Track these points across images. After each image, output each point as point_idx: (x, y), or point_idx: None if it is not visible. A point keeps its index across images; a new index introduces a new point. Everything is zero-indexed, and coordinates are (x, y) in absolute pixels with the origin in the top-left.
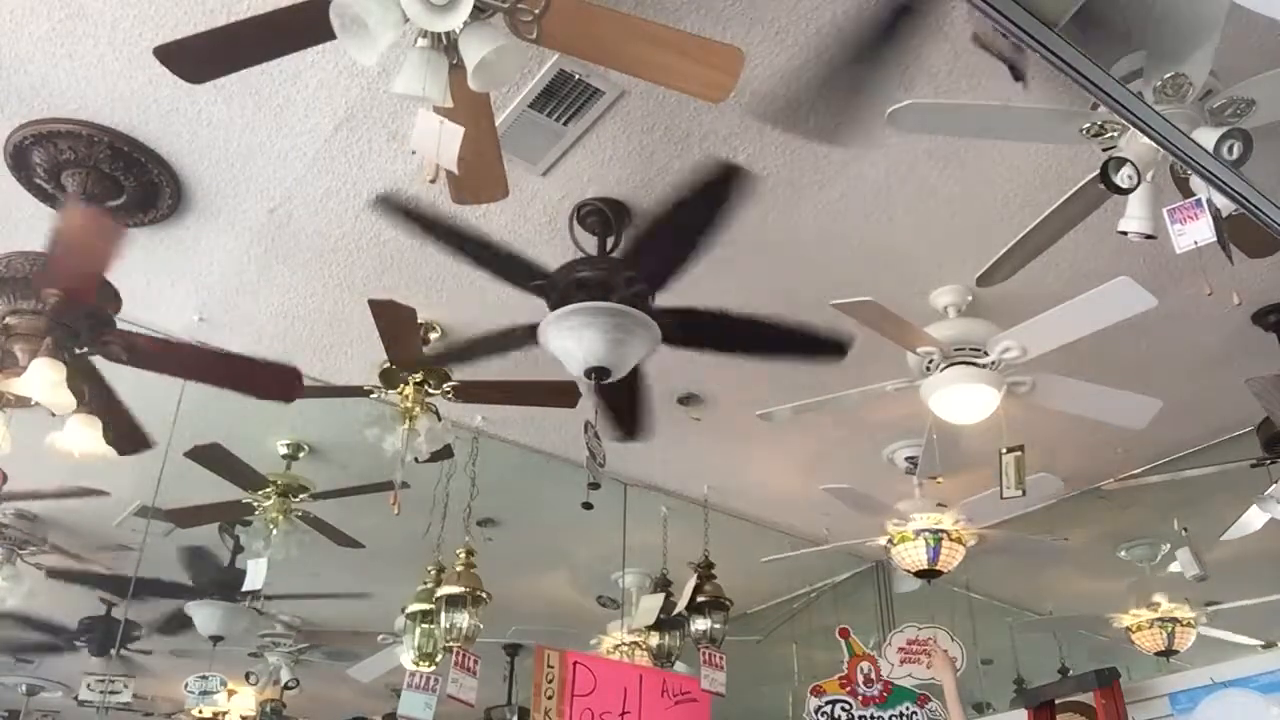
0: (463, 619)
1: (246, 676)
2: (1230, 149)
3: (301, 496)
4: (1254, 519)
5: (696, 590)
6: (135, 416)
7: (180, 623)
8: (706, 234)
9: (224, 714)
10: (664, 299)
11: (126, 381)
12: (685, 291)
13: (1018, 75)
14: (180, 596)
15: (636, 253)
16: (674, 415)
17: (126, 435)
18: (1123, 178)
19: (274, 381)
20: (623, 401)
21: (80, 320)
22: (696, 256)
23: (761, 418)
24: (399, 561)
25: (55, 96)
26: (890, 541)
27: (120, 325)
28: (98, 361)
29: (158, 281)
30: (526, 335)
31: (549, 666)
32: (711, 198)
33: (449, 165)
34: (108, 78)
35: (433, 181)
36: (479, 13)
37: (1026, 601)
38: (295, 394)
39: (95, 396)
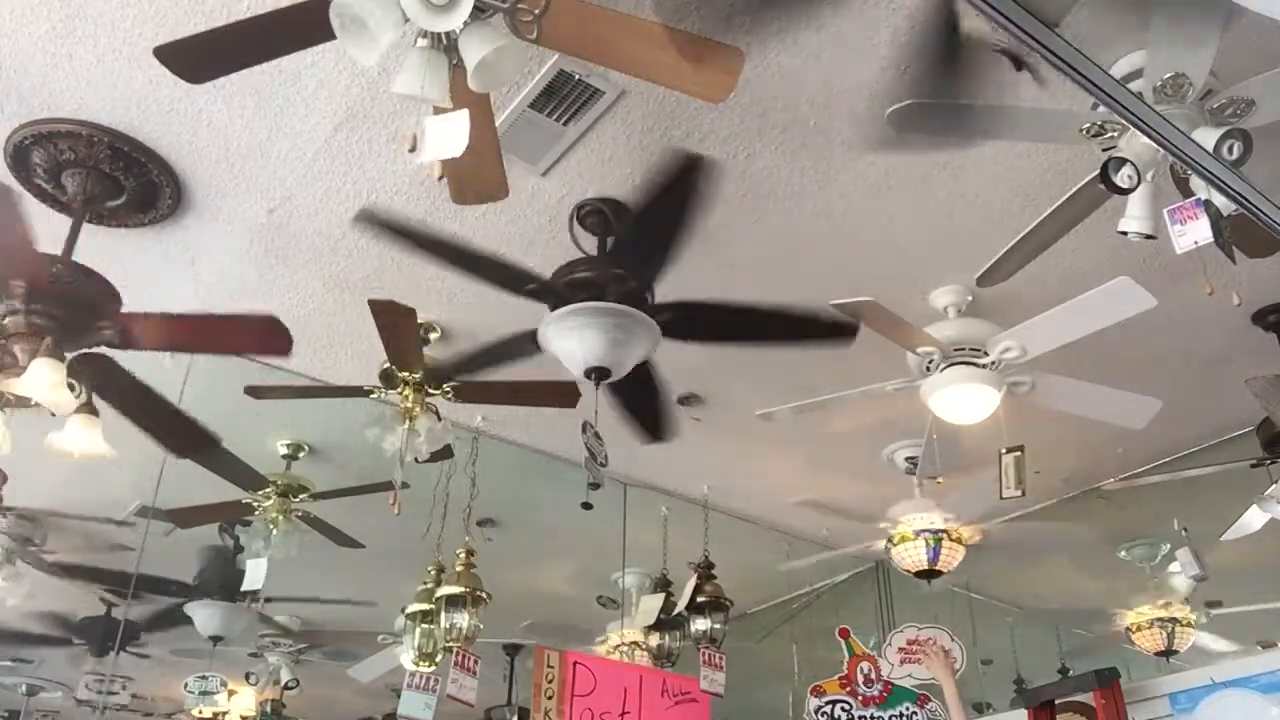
0: (463, 619)
1: (246, 676)
2: (1230, 149)
3: (301, 496)
4: (1254, 519)
5: (696, 590)
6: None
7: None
8: (684, 224)
9: (224, 714)
10: (663, 297)
11: None
12: (685, 293)
13: (1019, 65)
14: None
15: (623, 250)
16: (674, 415)
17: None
18: (1123, 178)
19: (262, 339)
20: (643, 405)
21: (79, 316)
22: (680, 247)
23: (761, 418)
24: (399, 561)
25: (55, 96)
26: (890, 542)
27: None
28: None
29: (157, 281)
30: (528, 341)
31: (549, 666)
32: (682, 188)
33: (458, 151)
34: (108, 78)
35: (440, 178)
36: (479, 13)
37: (1027, 601)
38: (286, 351)
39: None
